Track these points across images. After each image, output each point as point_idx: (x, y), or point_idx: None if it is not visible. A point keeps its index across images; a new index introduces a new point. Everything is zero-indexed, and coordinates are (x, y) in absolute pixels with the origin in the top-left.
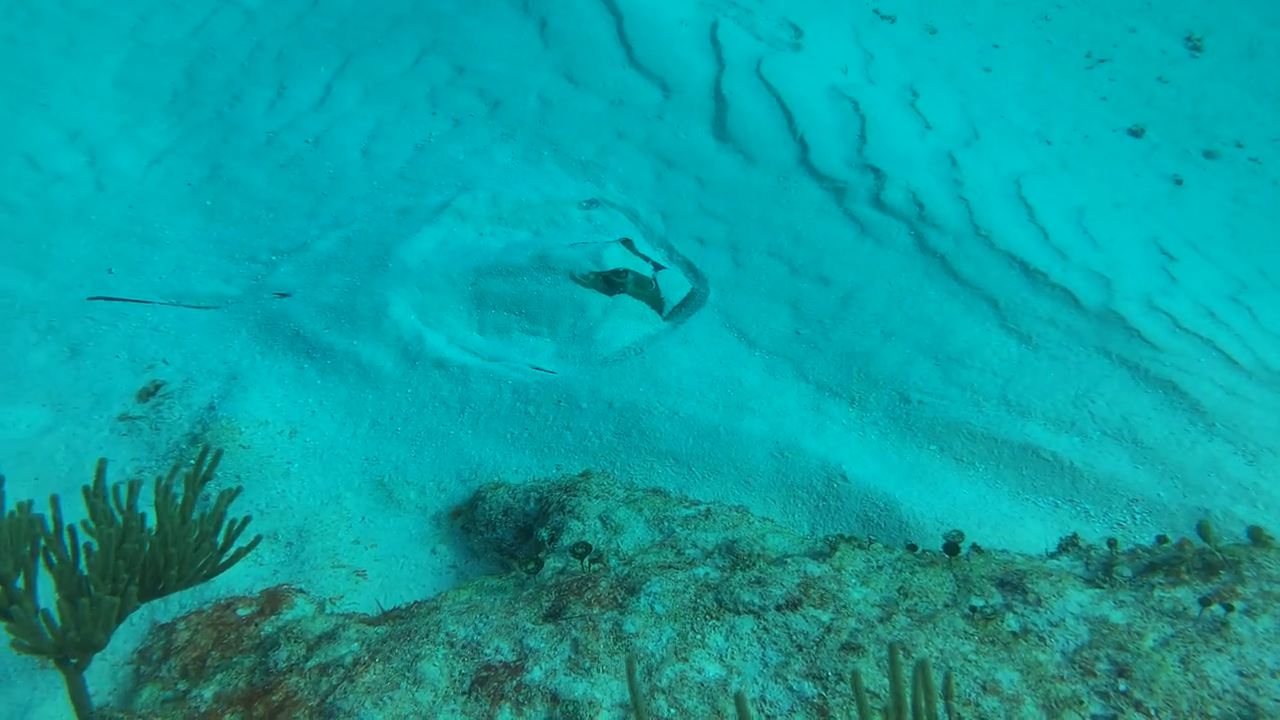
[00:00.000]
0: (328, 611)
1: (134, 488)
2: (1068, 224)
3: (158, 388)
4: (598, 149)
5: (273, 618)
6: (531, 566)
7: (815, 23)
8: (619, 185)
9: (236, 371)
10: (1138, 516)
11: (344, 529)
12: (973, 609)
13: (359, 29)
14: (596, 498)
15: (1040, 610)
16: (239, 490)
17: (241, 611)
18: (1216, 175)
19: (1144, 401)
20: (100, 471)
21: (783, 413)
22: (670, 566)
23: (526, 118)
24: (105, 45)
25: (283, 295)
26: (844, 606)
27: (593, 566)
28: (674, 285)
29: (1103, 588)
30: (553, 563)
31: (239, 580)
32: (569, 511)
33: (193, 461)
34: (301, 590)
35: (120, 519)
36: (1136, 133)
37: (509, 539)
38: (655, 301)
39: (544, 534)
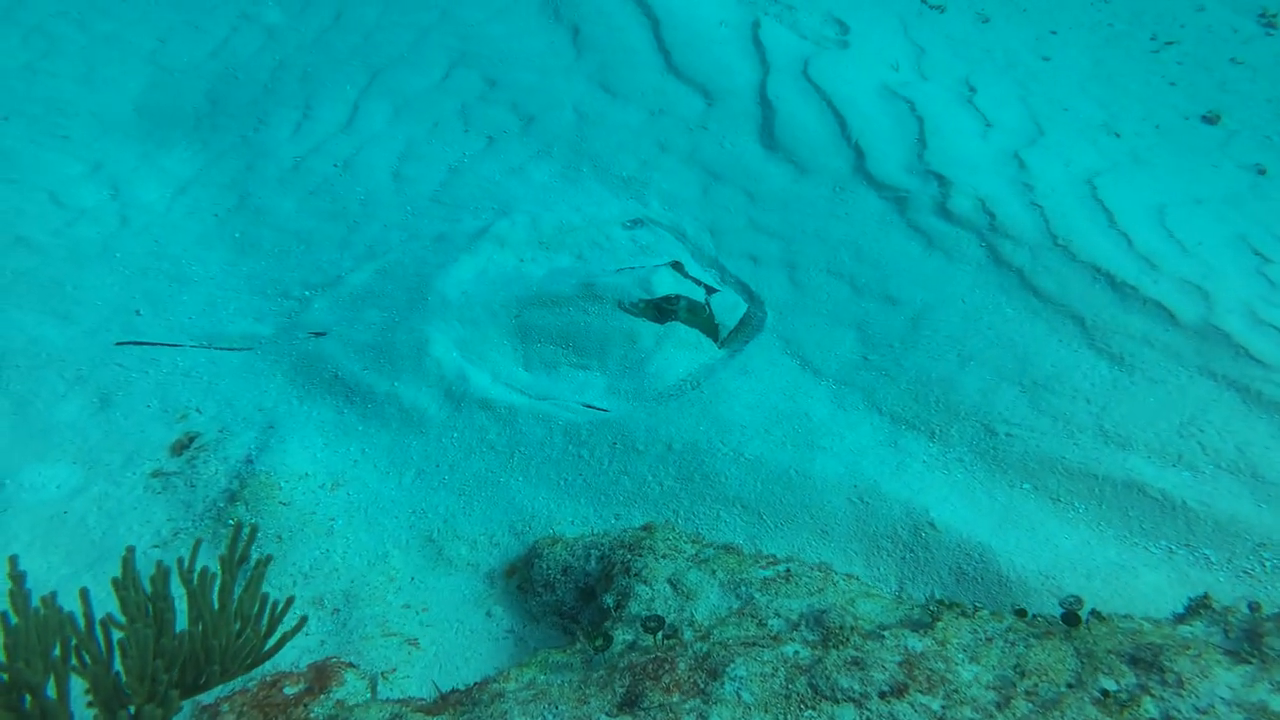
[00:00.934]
0: (381, 693)
1: (165, 575)
2: (1151, 228)
3: (191, 440)
4: (639, 163)
5: (322, 697)
6: (600, 643)
7: (861, 17)
8: (663, 202)
9: (273, 419)
10: (1268, 564)
11: (393, 592)
12: (1104, 693)
13: (384, 43)
14: (664, 557)
15: (1183, 694)
16: (269, 560)
17: (289, 690)
18: None
19: (1259, 429)
20: (128, 562)
21: (857, 451)
22: (754, 644)
23: (563, 132)
24: (125, 71)
25: (318, 334)
26: (955, 691)
27: (667, 643)
28: (728, 309)
29: (1252, 663)
30: (622, 634)
31: (284, 653)
32: (635, 574)
33: (230, 526)
34: (351, 664)
35: (153, 609)
36: (1211, 119)
37: (570, 601)
38: (709, 328)
39: (609, 600)
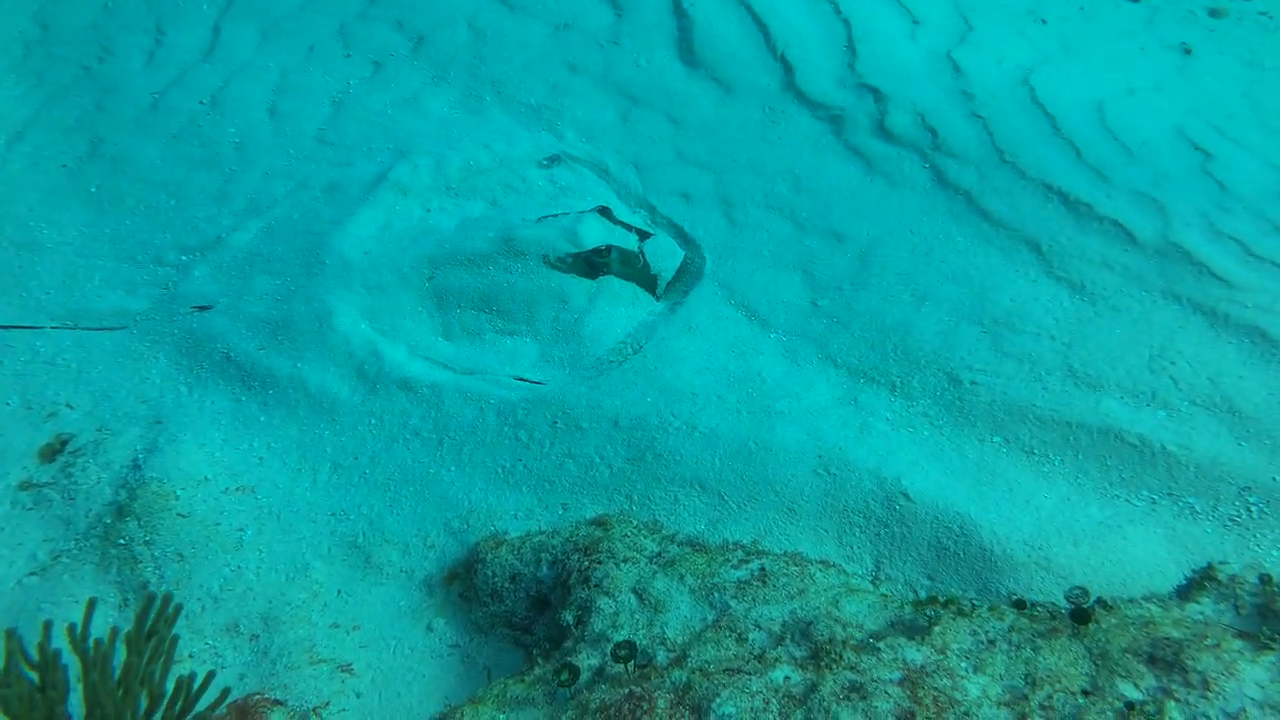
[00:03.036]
0: None
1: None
2: (1095, 131)
3: (64, 443)
4: (548, 88)
5: None
6: (565, 676)
7: None
8: (580, 133)
9: (160, 412)
10: (1254, 509)
11: (318, 610)
12: (1129, 705)
13: None
14: (625, 561)
15: (1209, 696)
16: (178, 609)
17: None
18: (1226, 37)
19: (1230, 356)
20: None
21: (816, 412)
22: (739, 670)
23: (458, 54)
24: None
25: (203, 308)
26: (966, 715)
27: (640, 671)
28: (664, 256)
29: (1274, 649)
30: (587, 658)
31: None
32: (595, 585)
33: (120, 546)
34: (277, 701)
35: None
36: None
37: (521, 611)
38: (646, 280)
39: (568, 617)
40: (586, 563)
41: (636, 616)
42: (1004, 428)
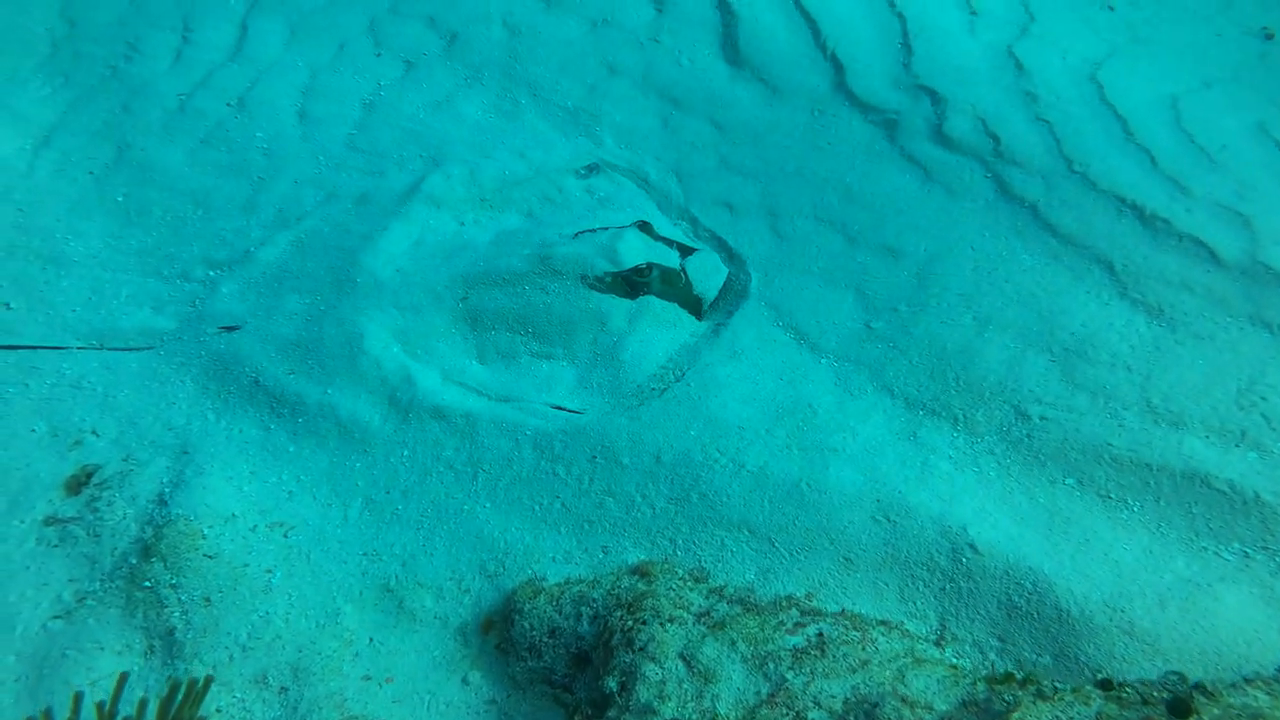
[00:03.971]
0: None
1: None
2: (1170, 134)
3: (90, 475)
4: (586, 89)
5: None
6: None
7: None
8: (619, 138)
9: (186, 441)
10: None
11: (349, 659)
12: None
13: None
14: (670, 621)
15: None
16: (208, 683)
17: None
18: None
19: None
20: None
21: (873, 449)
22: None
23: (492, 53)
24: None
25: (230, 328)
26: None
27: None
28: (708, 274)
29: None
30: None
31: None
32: (639, 649)
33: (146, 589)
34: None
35: None
36: None
37: (560, 669)
38: (688, 300)
39: (612, 684)
40: (630, 622)
41: (685, 686)
42: (1077, 469)
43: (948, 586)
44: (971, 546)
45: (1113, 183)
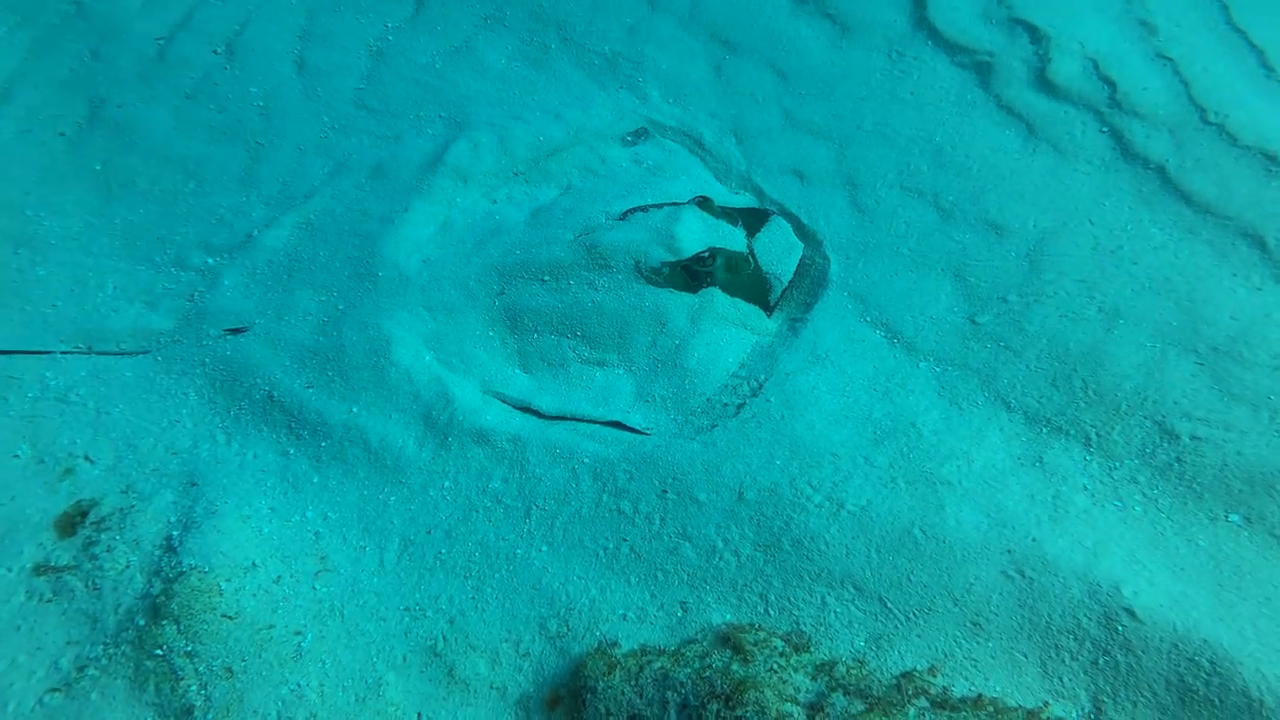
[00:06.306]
0: None
1: None
2: None
3: (84, 512)
4: (625, 30)
5: None
6: None
7: None
8: (666, 90)
9: (194, 469)
10: None
11: None
12: None
13: None
14: None
15: None
16: None
17: None
18: None
19: None
20: None
21: (994, 480)
22: None
23: None
24: None
25: (237, 330)
26: None
27: None
28: (780, 254)
29: None
30: None
31: None
32: None
33: (157, 658)
34: None
35: None
36: None
37: None
38: (757, 289)
39: None
40: (727, 715)
41: None
42: (1243, 502)
43: (1101, 660)
44: (1129, 612)
45: (1258, 135)
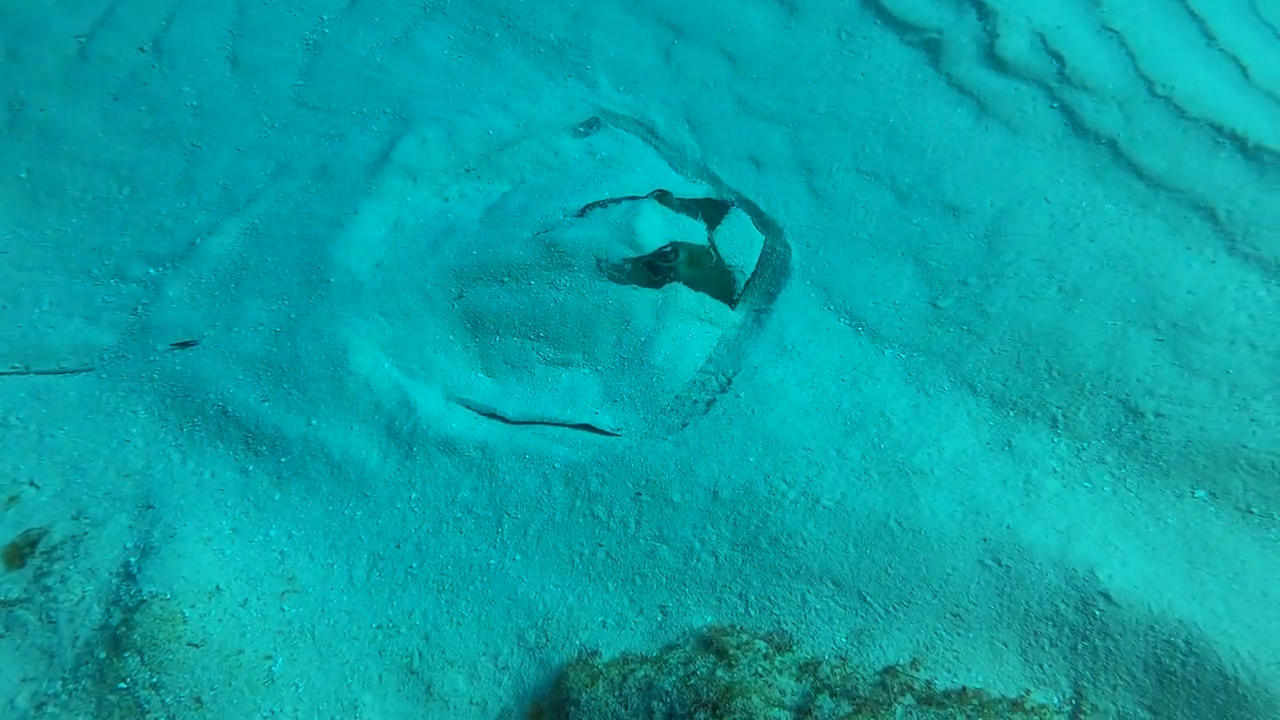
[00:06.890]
0: None
1: None
2: (1253, 30)
3: (33, 542)
4: (570, 17)
5: None
6: None
7: None
8: (615, 78)
9: (149, 490)
10: None
11: None
12: None
13: None
14: None
15: None
16: None
17: None
18: None
19: None
20: None
21: (965, 468)
22: None
23: None
24: None
25: (185, 344)
26: None
27: None
28: (741, 245)
29: None
30: None
31: None
32: None
33: (120, 691)
34: None
35: None
36: None
37: None
38: (721, 282)
39: None
40: None
41: None
42: (1208, 477)
43: (1080, 645)
44: (1104, 596)
45: (1204, 107)
